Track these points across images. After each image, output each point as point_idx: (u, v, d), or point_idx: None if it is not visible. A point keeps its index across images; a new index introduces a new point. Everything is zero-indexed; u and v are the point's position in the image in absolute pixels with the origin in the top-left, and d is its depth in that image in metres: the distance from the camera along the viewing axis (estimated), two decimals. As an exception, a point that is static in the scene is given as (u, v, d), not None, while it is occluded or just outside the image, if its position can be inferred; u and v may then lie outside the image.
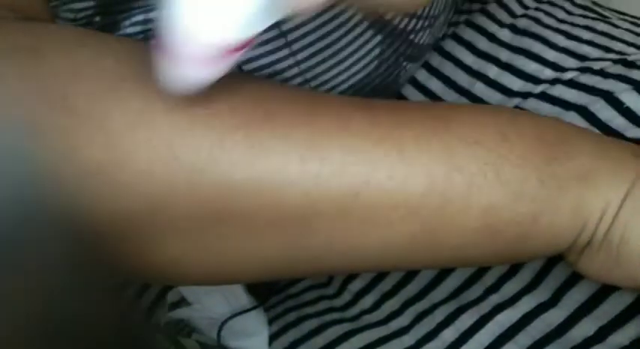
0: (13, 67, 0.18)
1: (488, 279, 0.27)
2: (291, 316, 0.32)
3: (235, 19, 0.16)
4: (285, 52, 0.29)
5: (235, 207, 0.19)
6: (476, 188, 0.19)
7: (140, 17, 0.28)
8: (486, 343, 0.25)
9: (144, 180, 0.18)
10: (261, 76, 0.29)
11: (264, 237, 0.19)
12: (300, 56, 0.29)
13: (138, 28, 0.28)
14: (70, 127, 0.18)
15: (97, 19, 0.29)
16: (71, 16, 0.30)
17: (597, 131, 0.26)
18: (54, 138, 0.17)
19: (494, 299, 0.26)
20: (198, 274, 0.20)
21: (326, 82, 0.30)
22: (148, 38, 0.29)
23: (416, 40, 0.31)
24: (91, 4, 0.28)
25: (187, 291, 0.32)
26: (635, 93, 0.26)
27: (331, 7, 0.28)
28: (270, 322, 0.32)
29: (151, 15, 0.28)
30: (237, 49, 0.17)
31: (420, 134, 0.19)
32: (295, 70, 0.29)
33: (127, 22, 0.28)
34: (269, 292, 0.34)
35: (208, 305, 0.32)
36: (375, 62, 0.30)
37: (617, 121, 0.26)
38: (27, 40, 0.19)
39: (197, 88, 0.17)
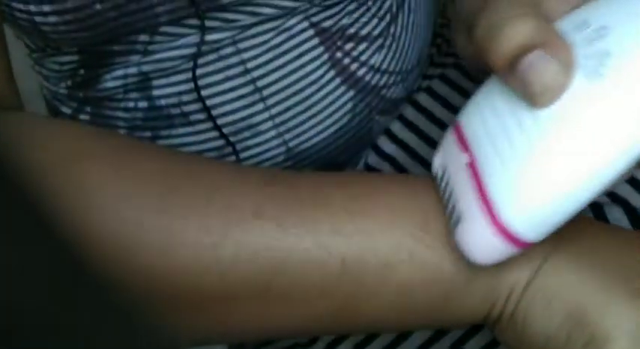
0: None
1: (456, 333, 0.27)
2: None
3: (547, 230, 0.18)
4: (260, 106, 0.30)
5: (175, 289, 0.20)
6: (390, 269, 0.20)
7: (120, 72, 0.29)
8: None
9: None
10: (236, 128, 0.30)
11: (188, 316, 0.20)
12: (274, 110, 0.30)
13: (118, 82, 0.29)
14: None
15: (81, 71, 0.30)
16: (56, 67, 0.31)
17: None
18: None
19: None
20: None
21: (300, 134, 0.31)
22: (127, 91, 0.30)
23: (388, 95, 0.32)
24: (75, 58, 0.30)
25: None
26: None
27: (303, 63, 0.30)
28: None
29: (131, 70, 0.29)
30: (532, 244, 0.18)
31: (337, 217, 0.20)
32: (270, 124, 0.30)
33: (108, 76, 0.29)
34: (243, 343, 0.34)
35: None
36: (348, 116, 0.31)
37: None
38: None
39: (492, 260, 0.19)
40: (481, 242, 0.18)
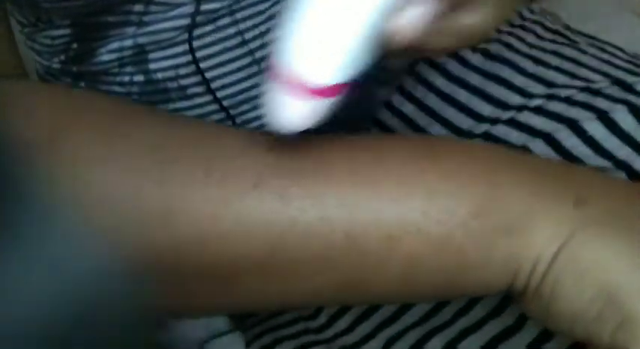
0: None
1: (458, 303, 0.27)
2: (268, 338, 0.32)
3: (332, 64, 0.18)
4: (259, 78, 0.29)
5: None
6: (396, 241, 0.19)
7: (115, 45, 0.28)
8: None
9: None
10: (235, 101, 0.30)
11: (187, 288, 0.20)
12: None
13: (114, 56, 0.29)
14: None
15: (74, 45, 0.29)
16: (49, 41, 0.30)
17: (559, 159, 0.27)
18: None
19: (463, 322, 0.26)
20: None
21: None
22: (122, 65, 0.29)
23: (388, 65, 0.32)
24: (68, 31, 0.29)
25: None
26: (597, 122, 0.27)
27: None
28: (248, 344, 0.32)
29: (126, 43, 0.28)
30: (331, 91, 0.18)
31: (341, 189, 0.19)
32: (269, 96, 0.30)
33: (103, 50, 0.29)
34: (246, 314, 0.34)
35: (185, 329, 0.32)
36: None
37: (580, 149, 0.26)
38: None
39: (296, 122, 0.19)
40: (279, 103, 0.18)
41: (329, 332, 0.30)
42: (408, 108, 0.34)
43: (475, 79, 0.33)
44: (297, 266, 0.19)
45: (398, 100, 0.34)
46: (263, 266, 0.19)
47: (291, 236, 0.19)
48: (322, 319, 0.31)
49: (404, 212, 0.19)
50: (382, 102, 0.34)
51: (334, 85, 0.18)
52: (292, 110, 0.18)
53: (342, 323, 0.30)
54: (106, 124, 0.20)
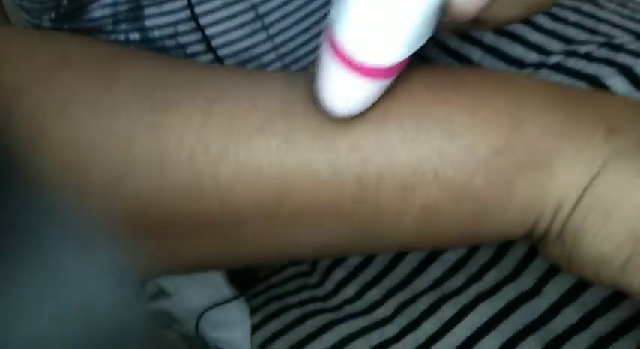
0: None
1: (471, 268, 0.26)
2: (273, 306, 0.31)
3: (394, 43, 0.16)
4: (262, 35, 0.28)
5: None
6: (412, 191, 0.18)
7: (109, 0, 0.27)
8: (467, 334, 0.25)
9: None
10: (237, 60, 0.28)
11: (183, 243, 0.19)
12: (277, 40, 0.28)
13: (107, 11, 0.27)
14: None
15: (65, 2, 0.28)
16: (38, -2, 0.28)
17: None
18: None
19: (476, 288, 0.26)
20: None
21: (306, 67, 0.29)
22: (116, 22, 0.27)
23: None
24: (58, -14, 0.27)
25: (166, 282, 0.32)
26: (621, 78, 0.26)
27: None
28: (252, 312, 0.32)
29: (120, -3, 0.27)
30: (391, 71, 0.17)
31: (354, 131, 0.18)
32: (273, 55, 0.28)
33: (95, 5, 0.27)
34: (250, 282, 0.33)
35: (188, 297, 0.32)
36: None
37: None
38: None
39: (352, 105, 0.17)
40: (331, 81, 0.17)
41: (336, 300, 0.29)
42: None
43: (488, 37, 0.31)
44: (306, 215, 0.18)
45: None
46: (270, 215, 0.18)
47: (299, 184, 0.18)
48: (329, 286, 0.30)
49: (421, 154, 0.17)
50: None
51: (395, 65, 0.16)
52: (349, 91, 0.17)
53: (350, 290, 0.29)
54: (96, 66, 0.18)
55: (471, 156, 0.17)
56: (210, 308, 0.31)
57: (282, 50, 0.28)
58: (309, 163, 0.17)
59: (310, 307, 0.30)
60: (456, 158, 0.17)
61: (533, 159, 0.17)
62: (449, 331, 0.25)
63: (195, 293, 0.32)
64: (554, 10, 0.31)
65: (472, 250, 0.27)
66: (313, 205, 0.18)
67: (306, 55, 0.29)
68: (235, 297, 0.32)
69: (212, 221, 0.18)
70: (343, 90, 0.17)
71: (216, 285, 0.32)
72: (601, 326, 0.22)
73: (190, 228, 0.18)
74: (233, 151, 0.17)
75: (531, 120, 0.18)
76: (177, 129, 0.17)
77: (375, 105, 0.18)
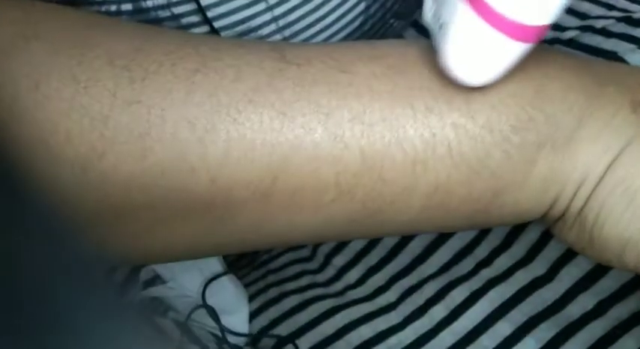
0: None
1: (480, 253, 0.25)
2: (272, 292, 0.30)
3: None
4: (261, 5, 0.26)
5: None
6: (421, 166, 0.16)
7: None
8: (478, 320, 0.24)
9: None
10: (235, 33, 0.27)
11: (171, 227, 0.17)
12: (277, 11, 0.26)
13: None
14: None
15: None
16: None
17: None
18: None
19: (487, 273, 0.24)
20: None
21: (307, 39, 0.27)
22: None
23: None
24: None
25: (162, 269, 0.31)
26: None
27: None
28: (251, 299, 0.31)
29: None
30: (541, 33, 0.15)
31: (358, 100, 0.16)
32: (273, 27, 0.27)
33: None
34: (248, 267, 0.32)
35: (184, 284, 0.31)
36: (360, 18, 0.28)
37: None
38: None
39: (492, 70, 0.16)
40: (471, 45, 0.15)
41: (338, 285, 0.28)
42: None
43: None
44: (304, 194, 0.16)
45: (413, 36, 0.32)
46: (264, 196, 0.16)
47: (296, 159, 0.16)
48: (331, 271, 0.29)
49: (433, 126, 0.16)
50: (395, 38, 0.32)
51: (545, 27, 0.15)
52: (493, 56, 0.15)
53: (353, 276, 0.28)
54: (69, 37, 0.17)
55: (489, 132, 0.16)
56: (208, 283, 0.30)
57: (282, 22, 0.27)
58: (307, 136, 0.16)
59: (311, 293, 0.29)
60: (472, 132, 0.16)
61: (555, 137, 0.16)
62: (457, 318, 0.24)
63: (192, 280, 0.31)
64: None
65: (480, 236, 0.26)
66: (312, 182, 0.16)
67: (309, 27, 0.27)
68: (226, 272, 0.30)
69: (203, 204, 0.17)
70: (486, 54, 0.15)
71: (215, 272, 0.31)
72: (619, 312, 0.22)
73: (180, 210, 0.17)
74: (221, 127, 0.16)
75: (555, 94, 0.17)
76: (159, 104, 0.16)
77: (385, 72, 0.16)
